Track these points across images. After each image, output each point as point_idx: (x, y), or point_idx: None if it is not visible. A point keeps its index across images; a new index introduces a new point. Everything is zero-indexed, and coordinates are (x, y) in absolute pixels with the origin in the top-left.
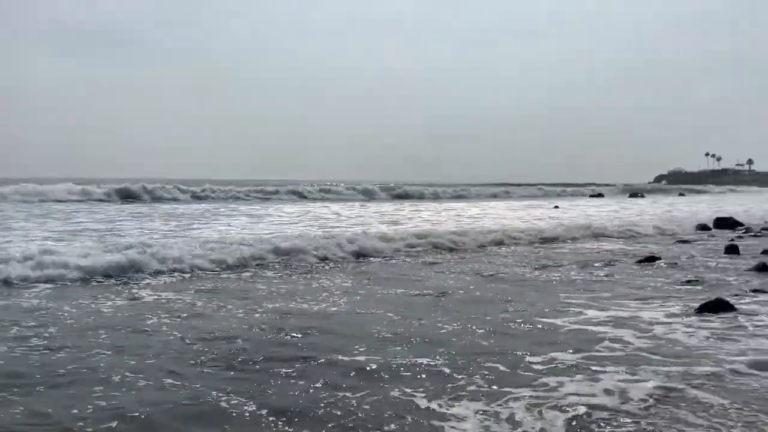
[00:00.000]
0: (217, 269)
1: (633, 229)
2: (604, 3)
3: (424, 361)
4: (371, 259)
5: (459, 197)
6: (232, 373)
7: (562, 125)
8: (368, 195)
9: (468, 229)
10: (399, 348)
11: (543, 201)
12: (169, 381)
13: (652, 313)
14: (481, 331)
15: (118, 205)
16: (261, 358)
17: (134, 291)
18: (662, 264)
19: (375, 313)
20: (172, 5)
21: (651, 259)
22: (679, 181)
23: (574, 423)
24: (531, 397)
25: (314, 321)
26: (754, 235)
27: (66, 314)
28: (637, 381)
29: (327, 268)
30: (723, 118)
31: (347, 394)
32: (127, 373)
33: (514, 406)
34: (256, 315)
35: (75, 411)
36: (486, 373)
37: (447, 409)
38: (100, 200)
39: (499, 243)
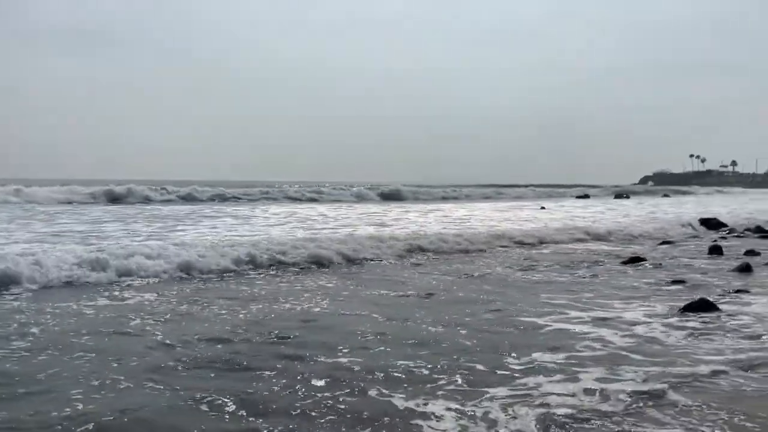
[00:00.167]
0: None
1: (618, 230)
2: (604, 3)
3: (406, 361)
4: (355, 260)
5: (448, 199)
6: (212, 374)
7: (560, 125)
8: (357, 196)
9: (454, 231)
10: (381, 349)
11: (530, 202)
12: (150, 384)
13: (635, 313)
14: (463, 331)
15: (104, 206)
16: (243, 359)
17: (116, 293)
18: (647, 265)
19: (359, 315)
20: (172, 5)
21: (636, 259)
22: (664, 182)
23: (550, 423)
24: (509, 396)
25: (297, 322)
26: (737, 236)
27: (49, 317)
28: (616, 381)
29: (310, 270)
30: (707, 119)
31: (326, 394)
32: (111, 375)
33: (491, 406)
34: (240, 316)
35: (54, 413)
36: (466, 373)
37: (424, 409)
38: (88, 202)
39: (484, 244)
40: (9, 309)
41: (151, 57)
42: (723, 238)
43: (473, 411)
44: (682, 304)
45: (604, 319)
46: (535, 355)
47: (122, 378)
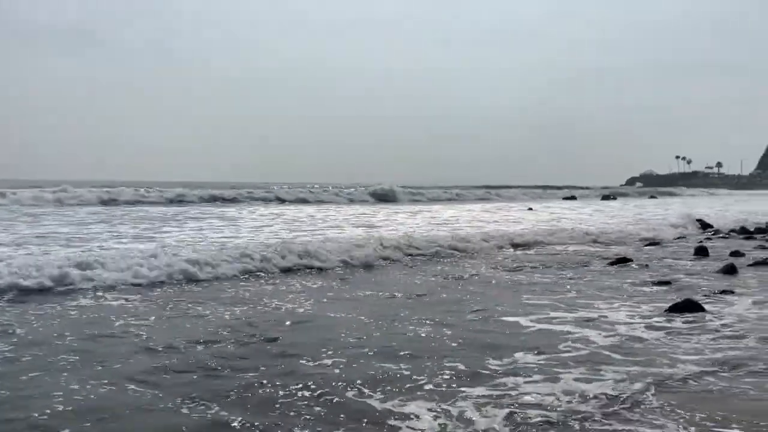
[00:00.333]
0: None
1: (604, 232)
2: (603, 3)
3: (388, 363)
4: (341, 262)
5: (439, 200)
6: (195, 376)
7: (555, 126)
8: (349, 197)
9: (441, 233)
10: (365, 350)
11: (518, 203)
12: (132, 386)
13: (620, 313)
14: (448, 332)
15: (90, 208)
16: (226, 362)
17: (99, 294)
18: (633, 266)
19: (344, 316)
20: (172, 5)
21: (622, 260)
22: (651, 183)
23: (523, 423)
24: (486, 397)
25: (282, 324)
26: (723, 237)
27: (32, 318)
28: (596, 381)
29: (296, 272)
30: (693, 120)
31: (305, 393)
32: (92, 380)
33: (467, 407)
34: (225, 318)
35: (35, 414)
36: (447, 374)
37: (400, 410)
38: (74, 204)
39: (471, 246)
40: None
41: (151, 57)
42: (708, 239)
43: (449, 411)
44: (667, 305)
45: (588, 319)
46: (517, 355)
47: (105, 381)
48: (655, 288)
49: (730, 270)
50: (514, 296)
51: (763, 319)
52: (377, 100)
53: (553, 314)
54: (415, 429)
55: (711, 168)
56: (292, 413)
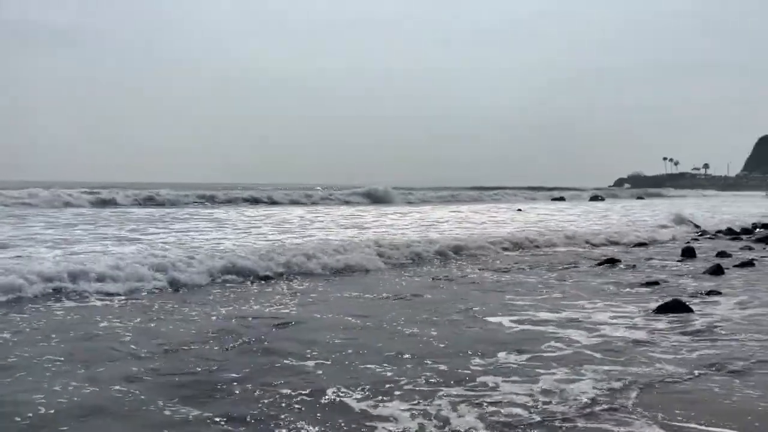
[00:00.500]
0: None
1: (592, 233)
2: (603, 3)
3: (370, 364)
4: (329, 264)
5: (431, 201)
6: (177, 379)
7: (555, 126)
8: (339, 199)
9: (431, 234)
10: (350, 351)
11: (508, 204)
12: (116, 388)
13: (606, 314)
14: (433, 333)
15: (76, 209)
16: (210, 364)
17: (85, 296)
18: (621, 266)
19: (330, 318)
20: (172, 5)
21: (610, 261)
22: (639, 184)
23: (502, 424)
24: (465, 397)
25: (267, 326)
26: (710, 238)
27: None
28: (576, 382)
29: (282, 274)
30: (679, 122)
31: (287, 393)
32: (74, 382)
33: (446, 407)
34: (210, 319)
35: (17, 419)
36: (428, 374)
37: (378, 410)
38: (60, 206)
39: (460, 247)
40: None
41: (151, 57)
42: (695, 239)
43: (426, 411)
44: (655, 305)
45: (573, 320)
46: (500, 355)
47: (87, 383)
48: (642, 289)
49: (717, 271)
50: (500, 297)
51: (749, 319)
52: (377, 100)
53: (538, 315)
54: (390, 428)
55: (698, 169)
56: (272, 413)
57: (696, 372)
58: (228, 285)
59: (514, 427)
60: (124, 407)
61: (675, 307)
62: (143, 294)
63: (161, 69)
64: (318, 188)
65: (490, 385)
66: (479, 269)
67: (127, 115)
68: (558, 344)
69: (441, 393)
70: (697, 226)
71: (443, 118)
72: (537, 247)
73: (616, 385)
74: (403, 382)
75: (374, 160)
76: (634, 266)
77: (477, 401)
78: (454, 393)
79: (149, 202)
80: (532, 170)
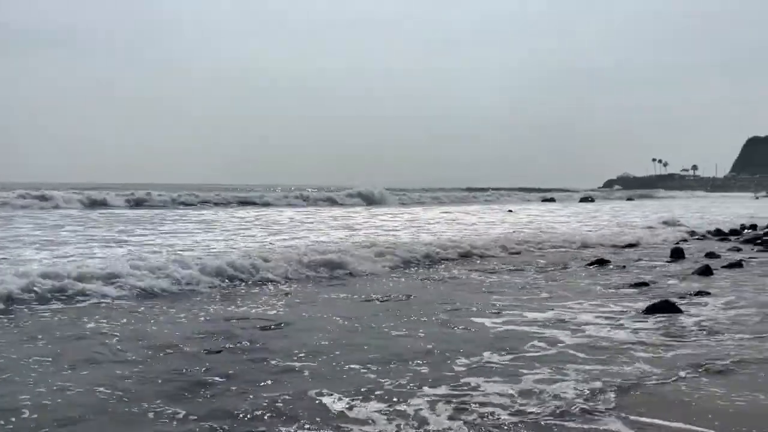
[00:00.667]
0: None
1: (583, 233)
2: (604, 3)
3: (355, 364)
4: (318, 266)
5: (421, 203)
6: (162, 380)
7: (550, 127)
8: (330, 200)
9: (422, 236)
10: (337, 353)
11: (499, 205)
12: (101, 389)
13: (595, 315)
14: (420, 334)
15: (66, 211)
16: (196, 366)
17: (73, 298)
18: (611, 267)
19: (319, 319)
20: (172, 5)
21: (600, 262)
22: (629, 185)
23: (480, 425)
24: (446, 397)
25: (255, 328)
26: (698, 239)
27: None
28: (557, 382)
29: (271, 276)
30: (668, 123)
31: (270, 395)
32: (58, 383)
33: (425, 407)
34: (199, 320)
35: (1, 422)
36: (411, 374)
37: (356, 411)
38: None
39: (449, 248)
40: None
41: (151, 58)
42: (684, 240)
43: (405, 411)
44: (643, 306)
45: (560, 320)
46: (484, 355)
47: (70, 384)
48: (631, 289)
49: (706, 272)
50: (487, 298)
51: (735, 320)
52: (377, 100)
53: (524, 315)
54: (366, 430)
55: (687, 170)
56: (256, 414)
57: (677, 372)
58: (215, 287)
59: (489, 427)
60: (107, 410)
61: (664, 307)
62: (130, 296)
63: (160, 69)
64: (309, 189)
65: (472, 385)
66: (467, 270)
67: (127, 116)
68: (542, 344)
69: (421, 393)
70: (684, 227)
71: (443, 118)
72: (527, 249)
73: (596, 385)
74: (386, 383)
75: (374, 160)
76: (624, 267)
77: (456, 402)
78: (435, 393)
79: (140, 204)
80: (525, 171)
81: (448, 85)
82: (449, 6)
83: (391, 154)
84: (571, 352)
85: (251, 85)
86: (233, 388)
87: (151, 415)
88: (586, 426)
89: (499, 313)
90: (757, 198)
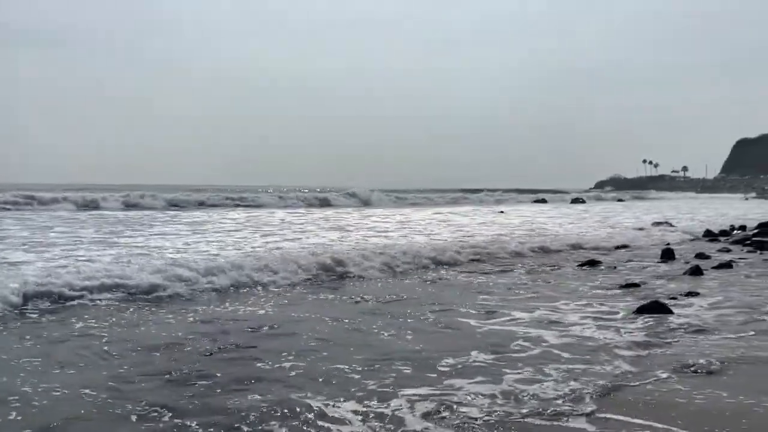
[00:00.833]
0: None
1: (574, 234)
2: (604, 3)
3: (342, 365)
4: (309, 266)
5: (414, 204)
6: (143, 384)
7: (546, 127)
8: (324, 201)
9: (415, 237)
10: (326, 353)
11: (491, 206)
12: (86, 391)
13: (583, 315)
14: (408, 336)
15: (55, 213)
16: (182, 367)
17: (61, 299)
18: (602, 268)
19: (306, 319)
20: (173, 5)
21: (591, 263)
22: (620, 186)
23: (455, 426)
24: (427, 397)
25: (243, 329)
26: (689, 240)
27: None
28: (538, 382)
29: (260, 278)
30: (659, 124)
31: (255, 397)
32: (44, 384)
33: (404, 408)
34: (187, 322)
35: None
36: (395, 374)
37: (334, 411)
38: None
39: (439, 249)
40: None
41: (150, 57)
42: (675, 241)
43: (381, 412)
44: (634, 306)
45: (549, 321)
46: (472, 354)
47: (57, 385)
48: (622, 290)
49: (696, 272)
50: (476, 298)
51: (723, 320)
52: (377, 100)
53: (516, 315)
54: (343, 429)
55: (677, 172)
56: (241, 415)
57: (658, 373)
58: (204, 290)
59: (464, 428)
60: (94, 412)
61: (654, 308)
62: (118, 297)
63: (160, 69)
64: (304, 190)
65: (454, 385)
66: (457, 271)
67: (127, 116)
68: (527, 344)
69: (402, 394)
70: (676, 229)
71: (443, 118)
72: (520, 247)
73: (575, 385)
74: (369, 384)
75: (374, 160)
76: (615, 268)
77: (436, 402)
78: (417, 393)
79: (133, 206)
80: (524, 171)
81: (448, 85)
82: (449, 6)
83: (391, 154)
84: (556, 351)
85: (251, 85)
86: (218, 390)
87: (134, 417)
88: (562, 425)
89: (487, 313)
90: (746, 199)
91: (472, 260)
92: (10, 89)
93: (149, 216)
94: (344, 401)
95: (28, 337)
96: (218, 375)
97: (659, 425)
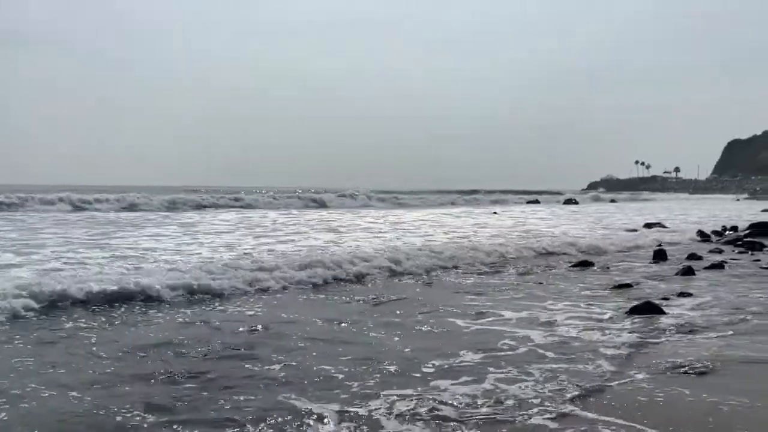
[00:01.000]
0: None
1: (567, 235)
2: (604, 3)
3: (328, 366)
4: (301, 267)
5: (408, 205)
6: (133, 386)
7: (553, 126)
8: (319, 202)
9: (403, 239)
10: (314, 354)
11: (485, 207)
12: (73, 393)
13: (574, 315)
14: (395, 337)
15: (46, 214)
16: (171, 368)
17: (51, 300)
18: (595, 269)
19: (296, 320)
20: (172, 5)
21: (583, 263)
22: (613, 187)
23: (434, 426)
24: (408, 398)
25: (233, 330)
26: (681, 240)
27: None
28: (519, 382)
29: (252, 279)
30: (650, 125)
31: (240, 398)
32: (31, 385)
33: (383, 409)
34: (176, 323)
35: None
36: (380, 375)
37: (318, 412)
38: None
39: (431, 250)
40: None
41: (150, 58)
42: (667, 242)
43: (359, 413)
44: (626, 307)
45: (542, 322)
46: (459, 354)
47: (43, 387)
48: (614, 290)
49: (688, 273)
50: (467, 299)
51: (715, 321)
52: (377, 100)
53: (506, 315)
54: (323, 429)
55: (669, 173)
56: (225, 416)
57: (641, 373)
58: (194, 292)
59: (441, 427)
60: (79, 413)
61: (646, 308)
62: (108, 299)
63: (160, 69)
64: (299, 191)
65: (440, 386)
66: (448, 272)
67: (126, 116)
68: (517, 345)
69: (384, 394)
70: (669, 230)
71: (443, 118)
72: (514, 248)
73: (556, 385)
74: (353, 385)
75: (374, 160)
76: (608, 268)
77: (415, 402)
78: (399, 394)
79: (127, 207)
80: (524, 171)
81: (448, 85)
82: (449, 6)
83: (391, 154)
84: (541, 351)
85: (251, 85)
86: (204, 393)
87: (119, 419)
88: (539, 424)
89: (478, 314)
90: (738, 200)
91: (464, 261)
92: (11, 89)
93: (141, 217)
94: (327, 402)
95: (17, 337)
96: (208, 376)
97: (636, 425)
